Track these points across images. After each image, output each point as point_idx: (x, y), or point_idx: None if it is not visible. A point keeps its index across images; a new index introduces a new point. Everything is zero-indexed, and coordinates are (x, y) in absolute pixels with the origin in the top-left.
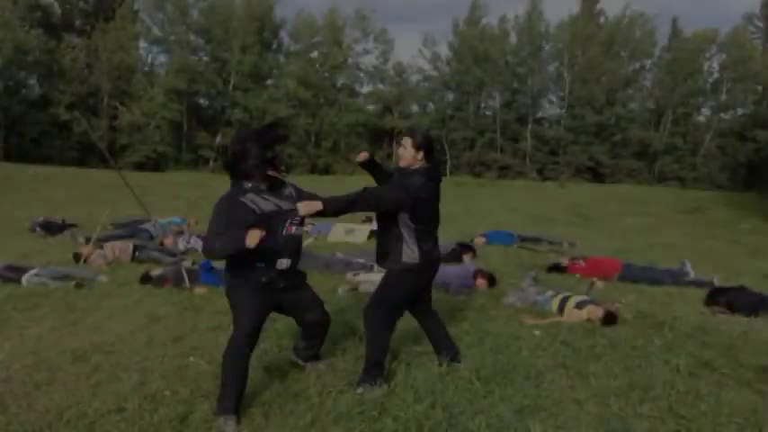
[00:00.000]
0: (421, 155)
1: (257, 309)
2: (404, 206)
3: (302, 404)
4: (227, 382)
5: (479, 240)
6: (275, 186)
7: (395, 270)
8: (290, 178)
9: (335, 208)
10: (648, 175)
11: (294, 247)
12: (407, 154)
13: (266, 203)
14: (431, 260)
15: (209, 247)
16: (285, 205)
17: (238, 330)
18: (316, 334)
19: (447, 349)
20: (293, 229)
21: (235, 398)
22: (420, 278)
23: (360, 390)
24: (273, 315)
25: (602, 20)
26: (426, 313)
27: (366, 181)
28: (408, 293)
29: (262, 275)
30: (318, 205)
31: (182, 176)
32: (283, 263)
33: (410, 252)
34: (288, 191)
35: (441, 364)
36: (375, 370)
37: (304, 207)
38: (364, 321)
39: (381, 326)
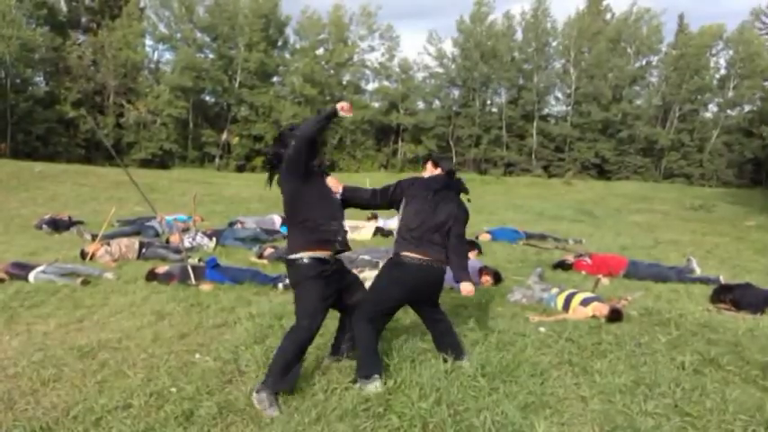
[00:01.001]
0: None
1: (327, 299)
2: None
3: (307, 401)
4: (285, 367)
5: (485, 237)
6: None
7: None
8: None
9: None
10: (655, 171)
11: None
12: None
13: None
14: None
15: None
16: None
17: (309, 320)
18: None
19: (451, 350)
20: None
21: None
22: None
23: (357, 385)
24: (278, 313)
25: (608, 16)
26: (432, 318)
27: (370, 177)
28: (396, 288)
29: (337, 234)
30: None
31: (188, 174)
32: (344, 224)
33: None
34: None
35: (446, 361)
36: (366, 363)
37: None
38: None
39: (365, 319)
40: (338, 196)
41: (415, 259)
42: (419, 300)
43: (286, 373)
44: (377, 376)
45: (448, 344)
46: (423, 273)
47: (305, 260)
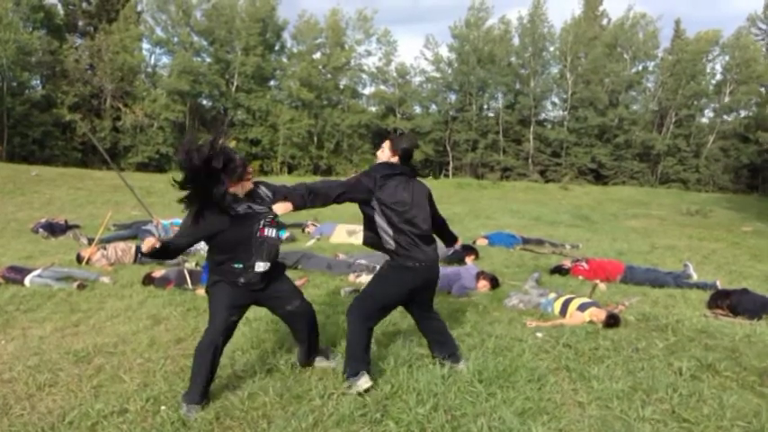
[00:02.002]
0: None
1: (232, 308)
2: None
3: (304, 406)
4: (196, 374)
5: (482, 242)
6: (250, 192)
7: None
8: (294, 179)
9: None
10: (651, 177)
11: (270, 250)
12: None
13: (241, 207)
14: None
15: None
16: (258, 208)
17: (212, 327)
18: (301, 326)
19: (448, 354)
20: (266, 231)
21: (201, 389)
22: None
23: (346, 384)
24: (275, 319)
25: (604, 21)
26: (427, 318)
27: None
28: (396, 290)
29: (239, 276)
30: (289, 206)
31: None
32: (260, 266)
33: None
34: (262, 191)
35: (443, 366)
36: (353, 362)
37: (278, 208)
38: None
39: (361, 319)
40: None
41: (419, 261)
42: (416, 300)
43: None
44: (364, 372)
45: (443, 345)
46: (425, 277)
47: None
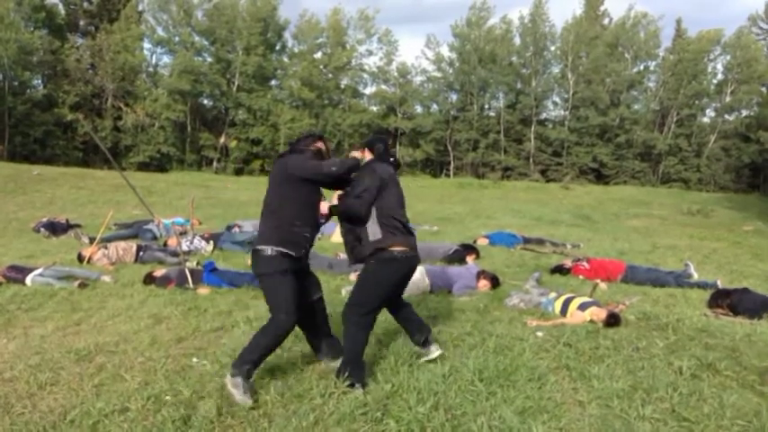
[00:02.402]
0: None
1: (297, 292)
2: None
3: (305, 405)
4: (260, 352)
5: (482, 241)
6: None
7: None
8: None
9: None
10: (652, 176)
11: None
12: None
13: None
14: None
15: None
16: None
17: (287, 316)
18: (322, 319)
19: (428, 334)
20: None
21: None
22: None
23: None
24: None
25: (606, 21)
26: (398, 304)
27: None
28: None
29: (306, 243)
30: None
31: (185, 177)
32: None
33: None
34: None
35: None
36: (353, 368)
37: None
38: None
39: (356, 321)
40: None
41: (406, 252)
42: (398, 292)
43: (258, 364)
44: (359, 386)
45: (422, 326)
46: (411, 265)
47: (271, 252)
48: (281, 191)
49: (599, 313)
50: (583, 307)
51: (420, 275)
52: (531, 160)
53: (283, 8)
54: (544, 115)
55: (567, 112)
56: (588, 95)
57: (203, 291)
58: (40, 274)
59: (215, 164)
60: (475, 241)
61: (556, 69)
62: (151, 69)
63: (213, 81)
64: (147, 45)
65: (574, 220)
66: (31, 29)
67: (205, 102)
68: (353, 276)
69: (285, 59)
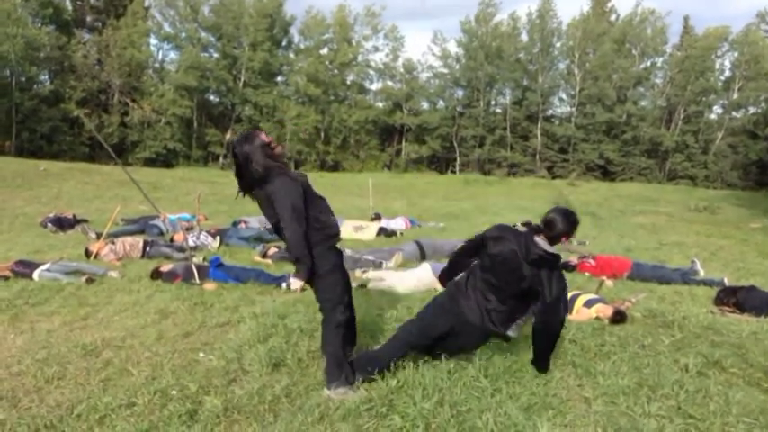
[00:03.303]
0: None
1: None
2: None
3: (311, 400)
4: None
5: None
6: None
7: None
8: None
9: None
10: (659, 173)
11: None
12: None
13: None
14: None
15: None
16: None
17: (344, 314)
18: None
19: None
20: None
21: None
22: None
23: (327, 392)
24: (282, 313)
25: (613, 17)
26: None
27: (373, 177)
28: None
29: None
30: None
31: (192, 173)
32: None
33: None
34: None
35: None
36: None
37: None
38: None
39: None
40: None
41: None
42: None
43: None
44: (349, 381)
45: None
46: None
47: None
48: None
49: (605, 310)
50: (589, 304)
51: (426, 272)
52: (537, 157)
53: (289, 4)
54: (550, 112)
55: (573, 109)
56: (595, 92)
57: (210, 286)
58: (48, 269)
59: (221, 160)
60: None
61: (562, 66)
62: (158, 65)
63: (219, 77)
64: (153, 41)
65: (580, 217)
66: (39, 25)
67: (211, 98)
68: (359, 273)
69: (291, 55)
